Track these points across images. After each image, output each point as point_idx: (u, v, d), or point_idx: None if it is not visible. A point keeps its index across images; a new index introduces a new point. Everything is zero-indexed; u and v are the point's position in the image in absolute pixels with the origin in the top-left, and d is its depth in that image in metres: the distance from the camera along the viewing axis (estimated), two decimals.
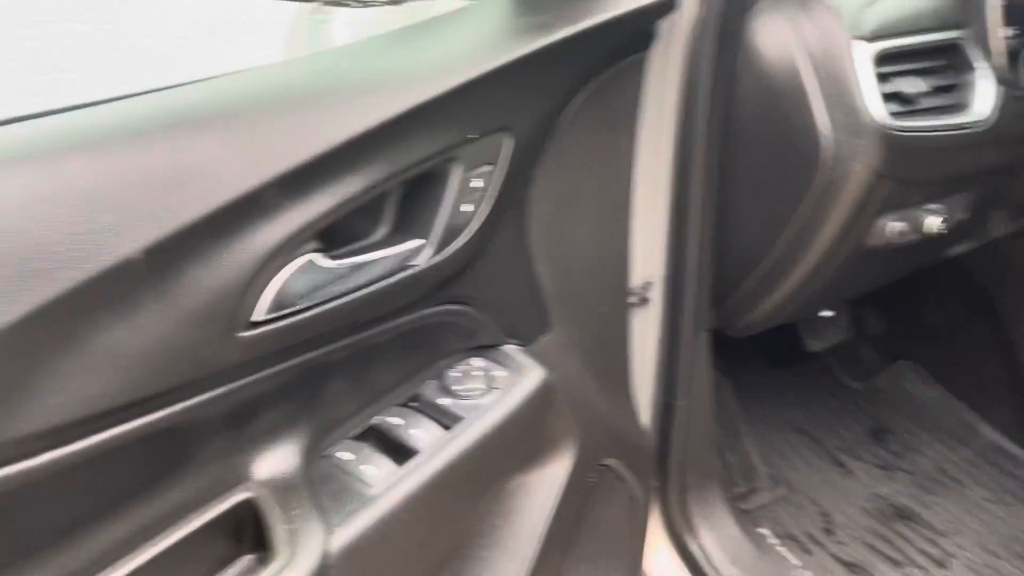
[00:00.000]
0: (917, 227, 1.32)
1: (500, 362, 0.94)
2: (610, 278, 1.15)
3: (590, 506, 1.13)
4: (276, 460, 0.75)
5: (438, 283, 0.84)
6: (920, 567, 1.64)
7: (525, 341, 0.98)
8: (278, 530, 0.70)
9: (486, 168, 0.83)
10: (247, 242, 0.65)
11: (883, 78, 1.20)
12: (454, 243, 0.82)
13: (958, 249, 1.59)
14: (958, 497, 1.79)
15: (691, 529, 1.56)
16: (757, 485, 1.83)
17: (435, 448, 0.81)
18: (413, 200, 0.81)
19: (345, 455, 0.79)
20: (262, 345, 0.69)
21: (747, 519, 1.70)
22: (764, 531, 1.72)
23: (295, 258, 0.69)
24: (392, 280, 0.77)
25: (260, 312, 0.67)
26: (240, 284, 0.65)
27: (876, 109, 1.17)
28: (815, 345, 2.00)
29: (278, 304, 0.69)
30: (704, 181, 1.28)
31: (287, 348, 0.73)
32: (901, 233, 1.31)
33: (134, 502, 0.66)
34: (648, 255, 1.40)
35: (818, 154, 1.21)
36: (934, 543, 1.69)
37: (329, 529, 0.72)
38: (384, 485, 0.77)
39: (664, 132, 1.31)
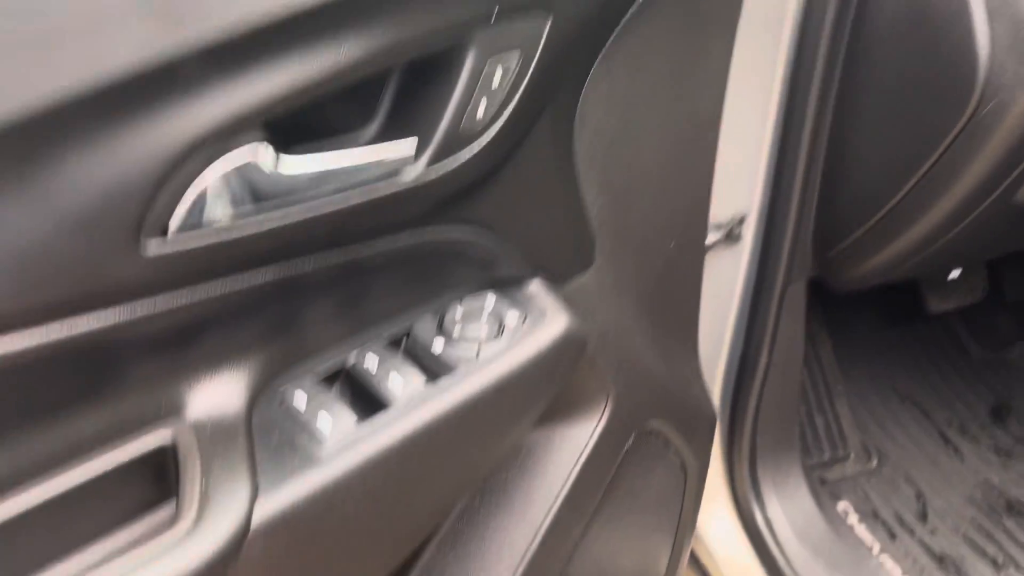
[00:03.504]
0: None
1: (520, 302, 0.77)
2: (685, 210, 0.95)
3: (626, 473, 0.98)
4: (215, 397, 0.62)
5: (440, 200, 0.67)
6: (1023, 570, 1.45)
7: (558, 279, 0.81)
8: (191, 486, 0.58)
9: (512, 56, 0.64)
10: (156, 130, 0.50)
11: None
12: (461, 152, 0.65)
13: None
14: None
15: (758, 497, 1.42)
16: (844, 454, 1.64)
17: (410, 404, 0.66)
18: (412, 92, 0.63)
19: (300, 400, 0.65)
20: (182, 262, 0.54)
21: (826, 491, 1.53)
22: (845, 506, 1.55)
23: (228, 152, 0.54)
24: (367, 196, 0.61)
25: (178, 220, 0.53)
26: (145, 183, 0.50)
27: None
28: (939, 306, 1.74)
29: (204, 212, 0.54)
30: (819, 102, 1.06)
31: (236, 263, 0.59)
32: None
33: (21, 434, 0.55)
34: (740, 186, 1.19)
35: (973, 81, 0.96)
36: None
37: (257, 492, 0.59)
38: (339, 444, 0.63)
39: (774, 37, 1.08)
